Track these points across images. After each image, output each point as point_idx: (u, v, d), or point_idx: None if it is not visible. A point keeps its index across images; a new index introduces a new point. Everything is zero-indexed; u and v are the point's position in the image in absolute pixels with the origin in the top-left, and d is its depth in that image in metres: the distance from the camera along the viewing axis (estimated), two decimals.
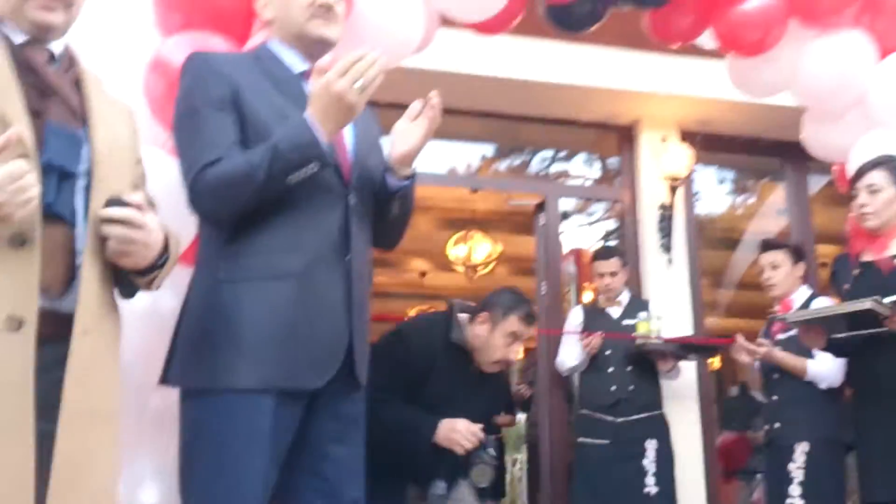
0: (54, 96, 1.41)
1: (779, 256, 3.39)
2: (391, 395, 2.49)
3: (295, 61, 1.80)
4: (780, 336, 3.30)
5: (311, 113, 1.61)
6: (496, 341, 2.59)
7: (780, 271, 3.37)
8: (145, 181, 1.64)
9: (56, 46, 1.47)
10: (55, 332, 1.33)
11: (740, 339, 3.26)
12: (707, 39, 3.10)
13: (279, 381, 1.61)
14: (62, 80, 1.44)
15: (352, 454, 1.77)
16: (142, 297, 1.63)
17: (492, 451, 2.55)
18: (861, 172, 2.64)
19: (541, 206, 5.05)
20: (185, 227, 1.97)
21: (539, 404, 5.01)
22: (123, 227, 1.38)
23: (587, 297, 5.08)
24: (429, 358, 2.60)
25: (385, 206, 1.84)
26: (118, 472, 1.53)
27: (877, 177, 2.61)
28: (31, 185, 1.24)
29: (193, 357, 1.65)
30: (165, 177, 1.90)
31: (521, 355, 2.65)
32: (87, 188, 1.40)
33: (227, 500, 1.58)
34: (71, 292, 1.37)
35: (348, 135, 1.80)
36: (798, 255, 3.43)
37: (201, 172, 1.62)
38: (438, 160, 4.82)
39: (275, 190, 1.61)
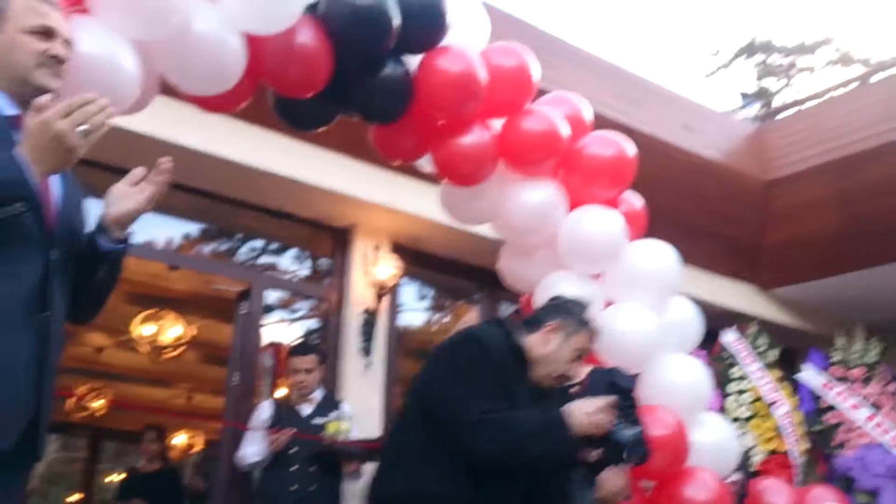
0: None
1: None
2: (494, 403, 2.11)
3: (4, 105, 1.67)
4: None
5: (24, 150, 1.50)
6: (564, 355, 2.30)
7: None
8: None
9: None
10: None
11: None
12: (427, 163, 3.25)
13: None
14: None
15: None
16: None
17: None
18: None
19: (244, 295, 4.86)
20: None
21: (214, 501, 4.68)
22: None
23: (281, 393, 4.91)
24: (504, 362, 2.22)
25: (90, 269, 1.74)
26: None
27: None
28: None
29: None
30: None
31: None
32: None
33: None
34: None
35: (55, 187, 1.69)
36: None
37: None
38: (136, 230, 4.45)
39: None
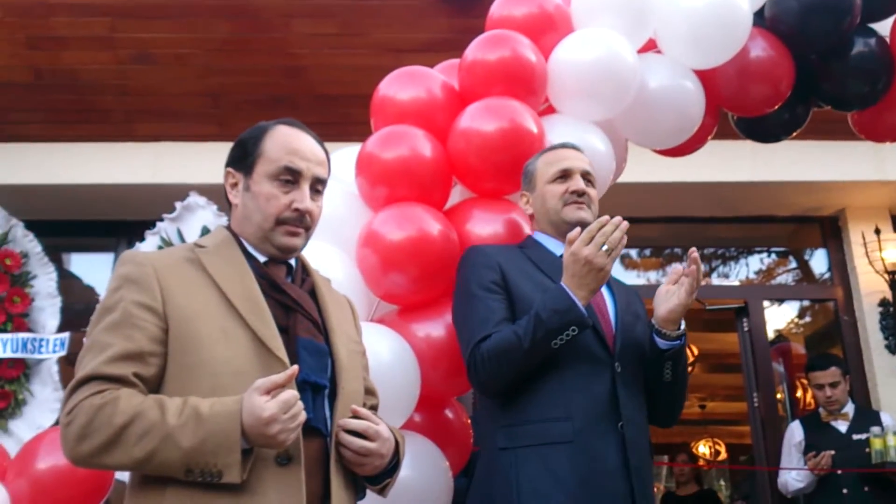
0: (298, 311, 1.46)
1: None
2: None
3: (556, 247, 1.96)
4: None
5: (565, 281, 1.73)
6: None
7: None
8: (368, 370, 1.69)
9: (291, 260, 1.56)
10: None
11: None
12: None
13: None
14: (302, 294, 1.50)
15: None
16: None
17: None
18: None
19: (742, 311, 4.71)
20: (404, 407, 1.99)
21: None
22: (360, 438, 1.42)
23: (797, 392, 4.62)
24: None
25: (657, 372, 1.87)
26: None
27: None
28: (300, 411, 1.29)
29: None
30: (386, 351, 1.96)
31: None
32: (331, 396, 1.46)
33: None
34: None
35: (610, 306, 1.91)
36: None
37: (476, 348, 1.77)
38: (631, 271, 4.72)
39: (540, 356, 1.72)
